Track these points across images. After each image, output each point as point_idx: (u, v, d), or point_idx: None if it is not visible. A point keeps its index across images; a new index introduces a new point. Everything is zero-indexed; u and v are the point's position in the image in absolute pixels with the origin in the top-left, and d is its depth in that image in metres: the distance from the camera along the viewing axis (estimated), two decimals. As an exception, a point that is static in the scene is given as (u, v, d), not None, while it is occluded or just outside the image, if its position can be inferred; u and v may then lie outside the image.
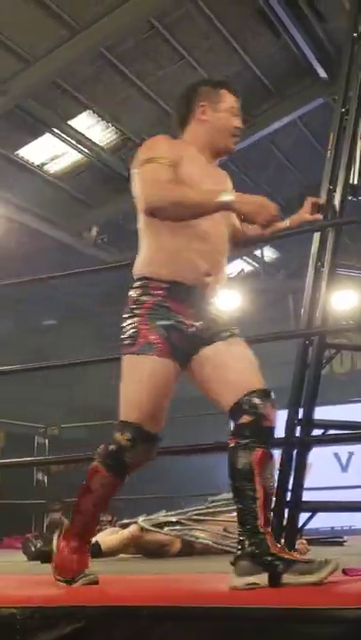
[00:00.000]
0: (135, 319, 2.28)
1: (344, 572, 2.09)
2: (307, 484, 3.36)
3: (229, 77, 9.88)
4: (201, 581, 2.46)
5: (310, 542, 3.91)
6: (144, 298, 2.29)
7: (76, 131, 9.65)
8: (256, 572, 1.99)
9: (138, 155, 2.38)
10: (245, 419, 2.13)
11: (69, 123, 9.51)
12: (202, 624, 1.74)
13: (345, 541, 4.19)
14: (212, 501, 4.30)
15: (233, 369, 2.23)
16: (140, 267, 2.37)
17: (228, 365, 2.24)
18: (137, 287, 2.33)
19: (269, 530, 2.07)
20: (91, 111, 9.48)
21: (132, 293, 2.33)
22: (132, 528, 3.85)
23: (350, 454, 11.53)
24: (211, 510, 4.16)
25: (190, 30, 8.98)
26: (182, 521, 3.90)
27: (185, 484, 8.90)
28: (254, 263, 14.28)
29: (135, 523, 3.89)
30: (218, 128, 2.43)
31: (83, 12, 8.08)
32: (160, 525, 3.85)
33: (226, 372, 2.23)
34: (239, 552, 2.06)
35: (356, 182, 3.51)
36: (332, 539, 4.27)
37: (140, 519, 3.90)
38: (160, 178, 2.26)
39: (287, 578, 1.95)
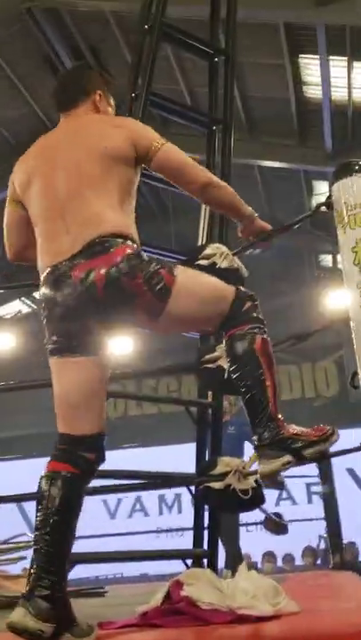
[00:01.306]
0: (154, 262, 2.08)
1: (100, 625, 2.05)
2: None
3: (15, 119, 9.87)
4: None
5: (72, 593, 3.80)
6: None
7: None
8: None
9: (143, 129, 2.25)
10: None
11: None
12: None
13: (106, 592, 4.13)
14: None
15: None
16: (122, 225, 2.10)
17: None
18: (128, 244, 2.06)
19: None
20: None
21: (129, 246, 2.06)
22: None
23: (119, 501, 11.61)
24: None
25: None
26: None
27: None
28: (32, 305, 14.07)
29: None
30: None
31: None
32: None
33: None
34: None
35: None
36: (93, 589, 4.18)
37: None
38: None
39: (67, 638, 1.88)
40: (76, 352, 2.08)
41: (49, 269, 2.09)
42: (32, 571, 1.95)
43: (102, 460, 2.10)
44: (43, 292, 2.12)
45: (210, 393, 3.17)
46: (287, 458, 2.03)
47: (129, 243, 2.07)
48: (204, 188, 2.21)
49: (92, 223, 2.07)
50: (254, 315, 2.12)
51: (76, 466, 2.02)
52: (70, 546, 2.01)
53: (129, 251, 2.04)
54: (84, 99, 2.32)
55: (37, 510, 2.00)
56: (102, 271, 2.00)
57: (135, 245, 2.09)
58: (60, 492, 1.97)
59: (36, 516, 1.99)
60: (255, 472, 2.22)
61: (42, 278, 2.13)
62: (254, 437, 2.07)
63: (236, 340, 2.09)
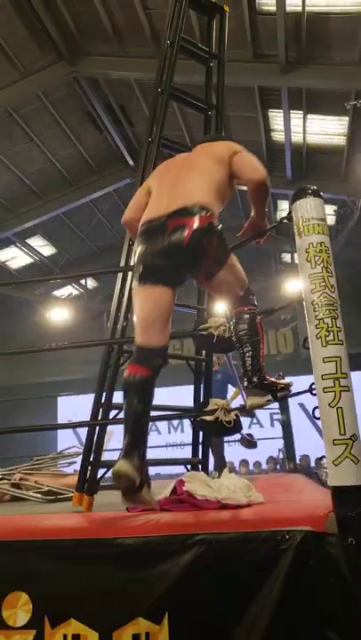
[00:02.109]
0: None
1: (127, 509, 2.07)
2: (109, 446, 3.27)
3: (66, 158, 9.79)
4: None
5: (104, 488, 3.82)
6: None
7: None
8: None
9: (230, 144, 2.26)
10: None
11: None
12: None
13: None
14: (37, 459, 4.04)
15: None
16: (208, 202, 2.03)
17: None
18: (212, 214, 2.01)
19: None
20: None
21: (213, 216, 2.01)
22: None
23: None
24: (35, 466, 3.88)
25: (39, 121, 8.83)
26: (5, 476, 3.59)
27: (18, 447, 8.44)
28: (80, 289, 14.06)
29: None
30: None
31: None
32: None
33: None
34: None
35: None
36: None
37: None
38: None
39: (146, 493, 1.91)
40: (158, 282, 2.02)
41: (150, 220, 2.07)
42: (126, 440, 1.93)
43: (165, 364, 2.07)
44: (140, 233, 2.09)
45: (203, 351, 3.17)
46: (269, 397, 2.10)
47: (212, 214, 2.02)
48: (260, 183, 2.13)
49: (187, 195, 2.04)
50: (255, 302, 2.24)
51: (149, 368, 2.00)
52: (148, 423, 2.01)
53: (212, 219, 2.00)
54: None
55: (124, 399, 1.99)
56: (191, 227, 1.97)
57: (216, 219, 2.03)
58: (138, 387, 1.98)
59: (124, 404, 1.99)
60: (235, 408, 2.25)
61: (142, 226, 2.09)
62: (246, 380, 2.12)
63: (244, 314, 2.18)
